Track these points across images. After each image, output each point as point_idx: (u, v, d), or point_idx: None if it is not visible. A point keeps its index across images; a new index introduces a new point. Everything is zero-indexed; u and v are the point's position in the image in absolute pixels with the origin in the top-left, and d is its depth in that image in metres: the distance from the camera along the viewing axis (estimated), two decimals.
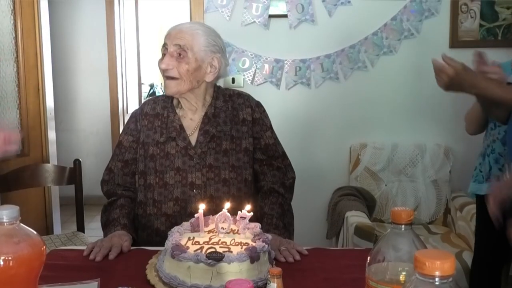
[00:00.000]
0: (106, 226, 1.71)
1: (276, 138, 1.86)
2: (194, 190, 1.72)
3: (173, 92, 1.74)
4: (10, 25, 2.97)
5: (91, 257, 1.50)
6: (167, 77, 1.73)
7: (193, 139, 1.76)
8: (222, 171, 1.74)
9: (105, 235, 1.68)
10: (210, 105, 1.80)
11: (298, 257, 1.50)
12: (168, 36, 1.72)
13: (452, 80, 1.68)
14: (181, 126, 1.77)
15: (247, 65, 3.25)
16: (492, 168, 2.24)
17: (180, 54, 1.70)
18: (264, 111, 1.87)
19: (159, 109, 1.82)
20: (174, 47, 1.70)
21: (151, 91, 7.55)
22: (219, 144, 1.76)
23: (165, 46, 1.73)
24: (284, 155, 1.86)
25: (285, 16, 3.21)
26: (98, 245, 1.55)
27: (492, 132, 2.26)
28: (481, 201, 2.33)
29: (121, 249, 1.55)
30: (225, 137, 1.77)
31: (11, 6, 2.97)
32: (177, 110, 1.81)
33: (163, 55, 1.73)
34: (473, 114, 2.26)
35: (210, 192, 1.72)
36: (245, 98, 1.85)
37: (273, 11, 3.21)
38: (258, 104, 1.86)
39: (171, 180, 1.73)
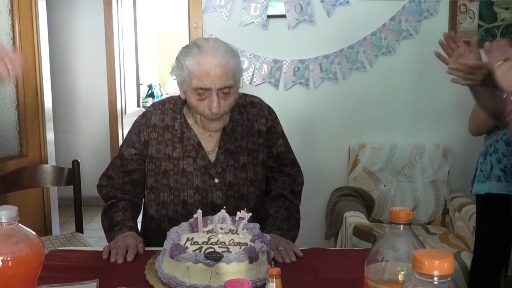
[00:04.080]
0: (110, 230, 1.67)
1: (287, 145, 1.83)
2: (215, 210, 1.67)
3: (218, 130, 1.68)
4: (8, 26, 2.96)
5: (112, 259, 1.48)
6: (213, 118, 1.62)
7: (212, 157, 1.71)
8: (241, 187, 1.72)
9: (110, 238, 1.65)
10: None
11: (294, 258, 1.50)
12: (205, 76, 1.54)
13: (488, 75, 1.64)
14: (199, 144, 1.70)
15: (245, 65, 3.24)
16: (494, 167, 2.23)
17: (226, 93, 1.59)
18: (276, 117, 1.82)
19: (168, 121, 1.73)
20: (220, 89, 1.56)
21: (150, 91, 7.55)
22: (237, 160, 1.72)
23: (204, 87, 1.55)
24: (294, 161, 1.84)
25: (284, 16, 3.21)
26: (114, 247, 1.53)
27: (497, 132, 2.23)
28: (481, 201, 2.32)
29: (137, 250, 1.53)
30: (242, 151, 1.73)
31: (9, 7, 2.96)
32: (189, 120, 1.72)
33: (198, 94, 1.57)
34: (484, 117, 2.11)
35: (229, 209, 1.65)
36: (259, 108, 1.79)
37: (271, 11, 3.21)
38: (270, 111, 1.81)
39: (189, 199, 1.69)
